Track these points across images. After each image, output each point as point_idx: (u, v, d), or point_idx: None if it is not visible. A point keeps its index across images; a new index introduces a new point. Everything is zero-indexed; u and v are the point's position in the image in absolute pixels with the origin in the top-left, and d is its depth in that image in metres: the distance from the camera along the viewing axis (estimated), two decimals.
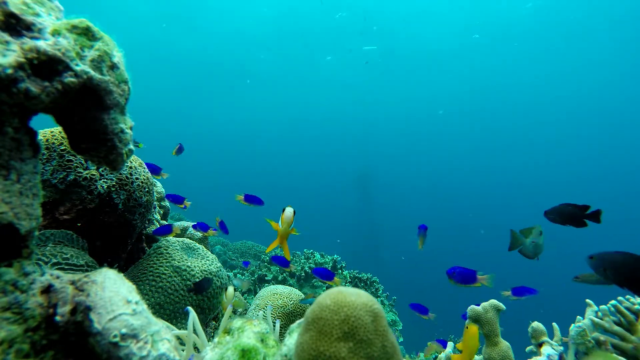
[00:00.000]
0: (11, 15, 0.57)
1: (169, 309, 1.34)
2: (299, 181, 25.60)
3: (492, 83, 16.46)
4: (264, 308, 1.68)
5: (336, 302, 0.49)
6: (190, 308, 0.85)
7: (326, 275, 1.75)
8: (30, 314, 0.60)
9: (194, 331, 0.82)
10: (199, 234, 2.03)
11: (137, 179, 1.43)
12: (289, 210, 1.27)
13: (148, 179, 1.51)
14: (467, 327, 1.02)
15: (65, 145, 1.30)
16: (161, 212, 2.10)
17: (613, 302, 1.18)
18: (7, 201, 0.59)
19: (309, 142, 23.52)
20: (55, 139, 1.30)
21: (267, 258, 4.31)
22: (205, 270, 1.48)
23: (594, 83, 15.13)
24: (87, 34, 0.65)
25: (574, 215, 1.38)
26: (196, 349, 0.82)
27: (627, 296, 1.19)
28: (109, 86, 0.67)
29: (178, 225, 2.07)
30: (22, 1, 0.59)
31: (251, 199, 1.87)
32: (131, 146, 0.74)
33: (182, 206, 1.95)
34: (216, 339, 0.73)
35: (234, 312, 1.60)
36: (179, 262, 1.43)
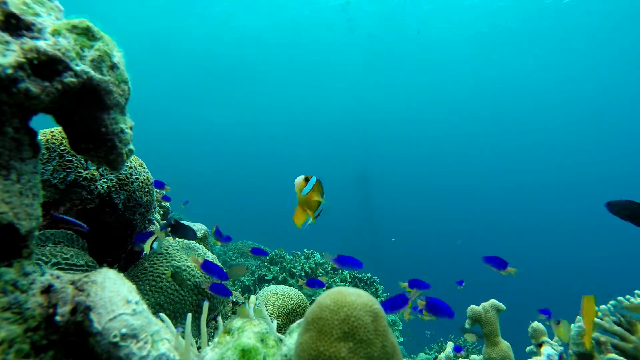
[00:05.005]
0: (11, 15, 0.57)
1: (169, 309, 1.34)
2: None
3: (493, 84, 16.43)
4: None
5: (336, 302, 0.49)
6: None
7: (318, 284, 1.80)
8: (30, 314, 0.60)
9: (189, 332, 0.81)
10: (199, 234, 2.03)
11: (137, 179, 1.43)
12: (297, 179, 1.17)
13: (148, 179, 1.51)
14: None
15: (65, 145, 1.30)
16: (161, 212, 2.10)
17: (613, 302, 1.18)
18: (7, 201, 0.59)
19: (309, 143, 23.54)
20: (55, 139, 1.30)
21: (267, 258, 4.30)
22: None
23: (597, 84, 15.06)
24: (87, 34, 0.65)
25: (637, 213, 1.41)
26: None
27: (627, 296, 1.19)
28: (109, 86, 0.67)
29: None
30: (22, 1, 0.59)
31: (257, 251, 1.94)
32: (131, 146, 0.74)
33: (164, 191, 1.96)
34: (216, 339, 0.73)
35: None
36: (179, 262, 1.43)
